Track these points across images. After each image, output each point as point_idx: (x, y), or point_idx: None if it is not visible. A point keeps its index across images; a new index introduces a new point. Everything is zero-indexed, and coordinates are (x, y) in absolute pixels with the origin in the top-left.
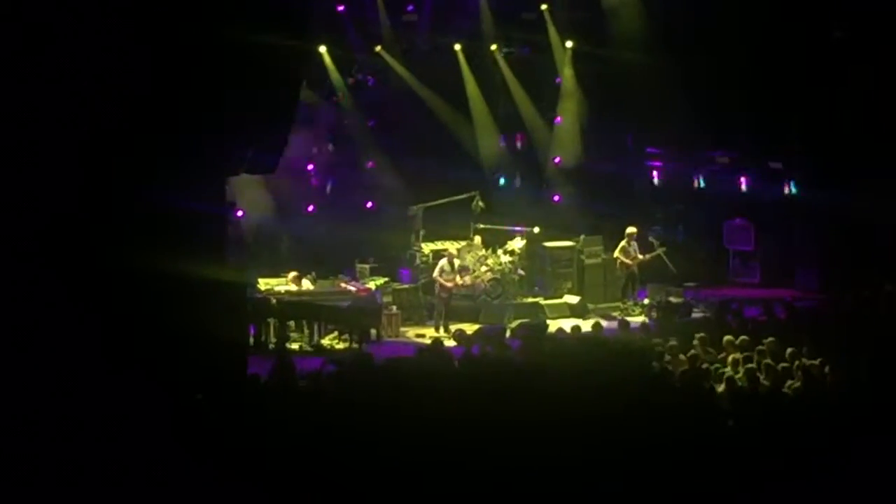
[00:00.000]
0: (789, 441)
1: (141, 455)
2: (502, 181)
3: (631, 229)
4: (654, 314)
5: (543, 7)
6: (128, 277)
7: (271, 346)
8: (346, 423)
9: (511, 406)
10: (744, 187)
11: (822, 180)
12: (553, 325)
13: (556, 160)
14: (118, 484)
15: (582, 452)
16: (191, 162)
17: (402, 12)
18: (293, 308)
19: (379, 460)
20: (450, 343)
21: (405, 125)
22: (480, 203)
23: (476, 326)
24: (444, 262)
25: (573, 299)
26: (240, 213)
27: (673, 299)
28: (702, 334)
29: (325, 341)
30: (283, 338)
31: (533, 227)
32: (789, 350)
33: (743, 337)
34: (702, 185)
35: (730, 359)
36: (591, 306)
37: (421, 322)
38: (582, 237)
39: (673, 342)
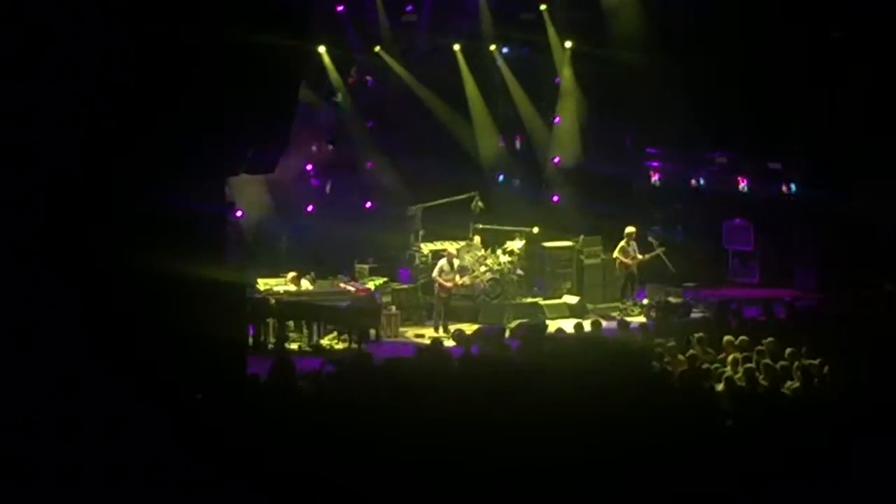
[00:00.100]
0: (788, 441)
1: (140, 455)
2: (501, 178)
3: (630, 229)
4: (653, 314)
5: (542, 7)
6: (127, 277)
7: (270, 346)
8: (346, 424)
9: (510, 406)
10: (743, 187)
11: (821, 180)
12: (552, 326)
13: (556, 160)
14: (118, 484)
15: (581, 452)
16: (190, 162)
17: (401, 12)
18: (292, 308)
19: (378, 460)
20: (449, 343)
21: (404, 125)
22: (479, 203)
23: (475, 326)
24: (443, 262)
25: (572, 299)
26: (239, 213)
27: (672, 299)
28: (700, 334)
29: (325, 341)
30: (283, 338)
31: (532, 227)
32: (789, 350)
33: (742, 337)
34: (701, 184)
35: (729, 359)
36: (590, 306)
37: (420, 322)
38: (581, 237)
39: (672, 342)
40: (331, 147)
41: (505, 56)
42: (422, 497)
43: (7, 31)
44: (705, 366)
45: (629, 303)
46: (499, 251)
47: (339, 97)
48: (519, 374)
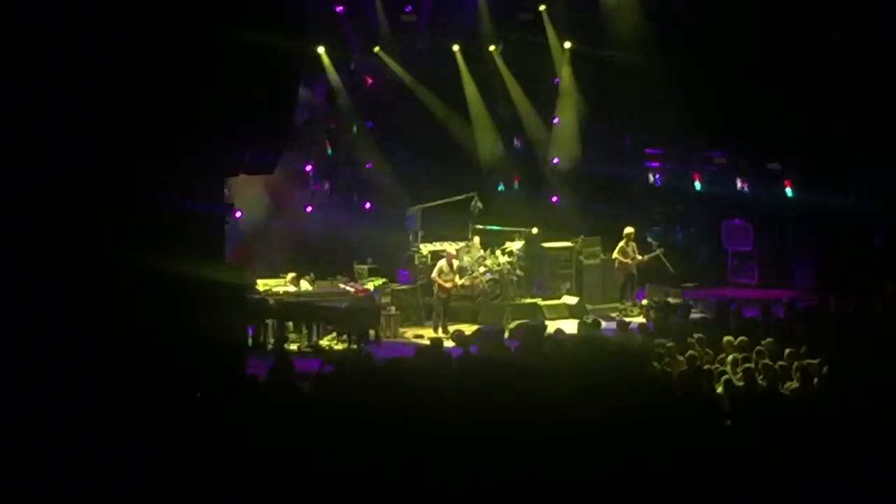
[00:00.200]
0: (787, 441)
1: (140, 455)
2: (501, 187)
3: (629, 230)
4: (652, 315)
5: (542, 8)
6: (126, 277)
7: (270, 346)
8: (345, 424)
9: (510, 407)
10: (742, 188)
11: (820, 181)
12: (551, 326)
13: (555, 161)
14: (117, 484)
15: (581, 453)
16: (190, 162)
17: (400, 13)
18: (292, 309)
19: (378, 461)
20: (448, 344)
21: (404, 126)
22: (479, 204)
23: (475, 327)
24: (442, 262)
25: (572, 300)
26: (238, 214)
27: (671, 300)
28: (700, 335)
29: (324, 342)
30: (282, 339)
31: (531, 227)
32: (788, 350)
33: (742, 338)
34: (700, 185)
35: (728, 359)
36: (589, 307)
37: (419, 323)
38: (580, 238)
39: (671, 343)
40: (330, 148)
41: (504, 56)
42: (421, 497)
43: (7, 31)
44: (705, 366)
45: (628, 303)
46: (498, 252)
47: (339, 98)
48: (518, 375)
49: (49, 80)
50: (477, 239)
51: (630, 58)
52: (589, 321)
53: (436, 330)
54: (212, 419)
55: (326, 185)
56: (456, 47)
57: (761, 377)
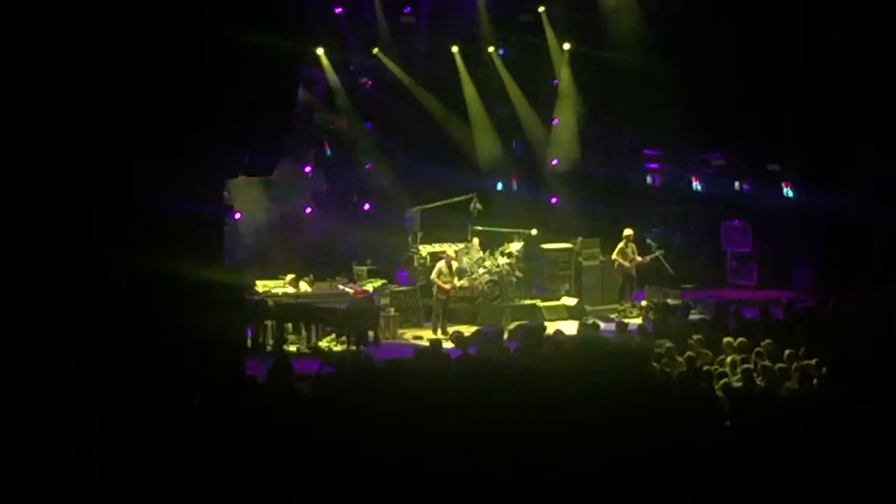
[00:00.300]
0: (786, 442)
1: (139, 456)
2: (499, 186)
3: (628, 231)
4: (651, 316)
5: (541, 9)
6: (126, 278)
7: (269, 348)
8: (345, 425)
9: (509, 408)
10: (741, 189)
11: (819, 182)
12: (551, 327)
13: (554, 162)
14: (117, 484)
15: (580, 454)
16: (189, 164)
17: (399, 14)
18: (291, 310)
19: (377, 462)
20: (448, 345)
21: (403, 127)
22: (478, 205)
23: (474, 328)
24: (441, 264)
25: (571, 301)
26: (238, 216)
27: (671, 301)
28: (699, 336)
29: (323, 343)
30: (281, 340)
31: (531, 229)
32: (787, 351)
33: (741, 339)
34: (699, 187)
35: (728, 360)
36: (588, 308)
37: (419, 324)
38: (579, 239)
39: (670, 344)
40: (329, 149)
41: (503, 58)
42: (421, 498)
43: (7, 31)
44: (704, 367)
45: (627, 304)
46: (497, 253)
47: (338, 99)
48: (517, 376)
49: (49, 80)
50: (476, 240)
51: (629, 59)
52: (588, 322)
53: (435, 331)
54: (211, 420)
55: (325, 187)
56: (455, 48)
57: (760, 378)
